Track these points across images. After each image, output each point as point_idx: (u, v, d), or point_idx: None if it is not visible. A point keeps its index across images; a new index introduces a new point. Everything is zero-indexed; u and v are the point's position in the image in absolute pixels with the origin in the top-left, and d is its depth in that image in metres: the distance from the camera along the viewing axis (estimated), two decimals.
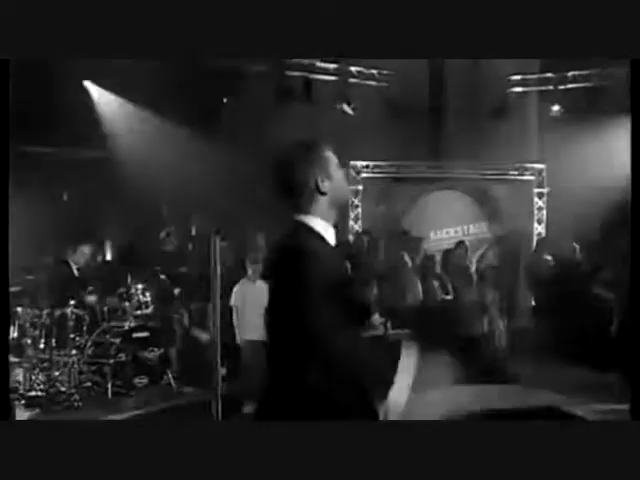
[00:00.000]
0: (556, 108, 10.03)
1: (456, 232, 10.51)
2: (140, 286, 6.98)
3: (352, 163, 10.25)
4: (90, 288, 7.19)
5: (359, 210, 10.53)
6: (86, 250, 7.27)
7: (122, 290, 7.01)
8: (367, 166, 10.51)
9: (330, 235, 2.17)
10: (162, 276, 7.52)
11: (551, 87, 10.09)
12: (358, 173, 10.48)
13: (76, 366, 6.52)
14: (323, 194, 2.14)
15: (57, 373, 6.50)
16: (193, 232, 9.43)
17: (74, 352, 6.58)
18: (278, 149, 2.25)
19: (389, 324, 6.07)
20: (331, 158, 2.20)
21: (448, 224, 10.58)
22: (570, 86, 9.96)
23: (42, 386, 6.43)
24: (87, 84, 9.29)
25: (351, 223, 10.48)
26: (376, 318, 3.55)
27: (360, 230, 10.20)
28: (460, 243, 8.99)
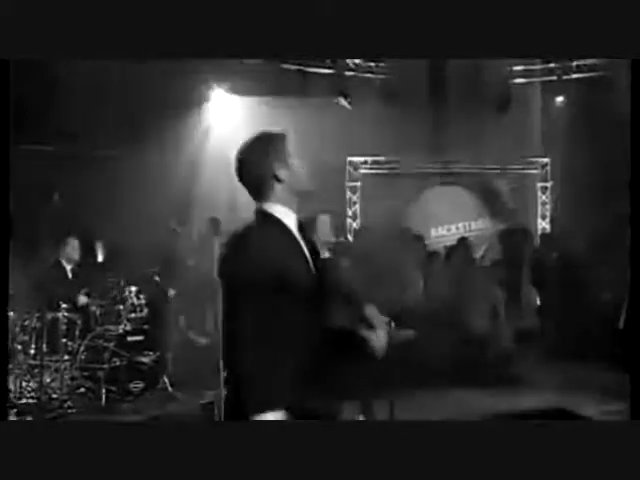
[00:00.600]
0: (560, 99, 9.88)
1: (457, 229, 10.36)
2: (134, 288, 6.84)
3: (350, 159, 10.06)
4: (83, 291, 7.01)
5: (357, 207, 10.35)
6: (76, 244, 7.11)
7: (115, 293, 6.84)
8: (365, 162, 10.32)
9: (291, 220, 2.33)
10: (156, 278, 7.35)
11: (555, 78, 9.91)
12: (356, 169, 10.29)
13: (68, 372, 6.34)
14: (281, 182, 2.30)
15: (49, 379, 6.31)
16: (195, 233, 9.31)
17: (66, 357, 6.40)
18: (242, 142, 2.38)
19: (392, 324, 5.94)
20: (289, 148, 2.35)
21: (450, 220, 10.42)
22: (574, 76, 9.78)
23: (33, 393, 6.24)
24: (89, 84, 9.12)
25: (349, 220, 10.31)
26: (371, 313, 3.42)
27: (359, 227, 10.02)
28: (463, 239, 8.82)
